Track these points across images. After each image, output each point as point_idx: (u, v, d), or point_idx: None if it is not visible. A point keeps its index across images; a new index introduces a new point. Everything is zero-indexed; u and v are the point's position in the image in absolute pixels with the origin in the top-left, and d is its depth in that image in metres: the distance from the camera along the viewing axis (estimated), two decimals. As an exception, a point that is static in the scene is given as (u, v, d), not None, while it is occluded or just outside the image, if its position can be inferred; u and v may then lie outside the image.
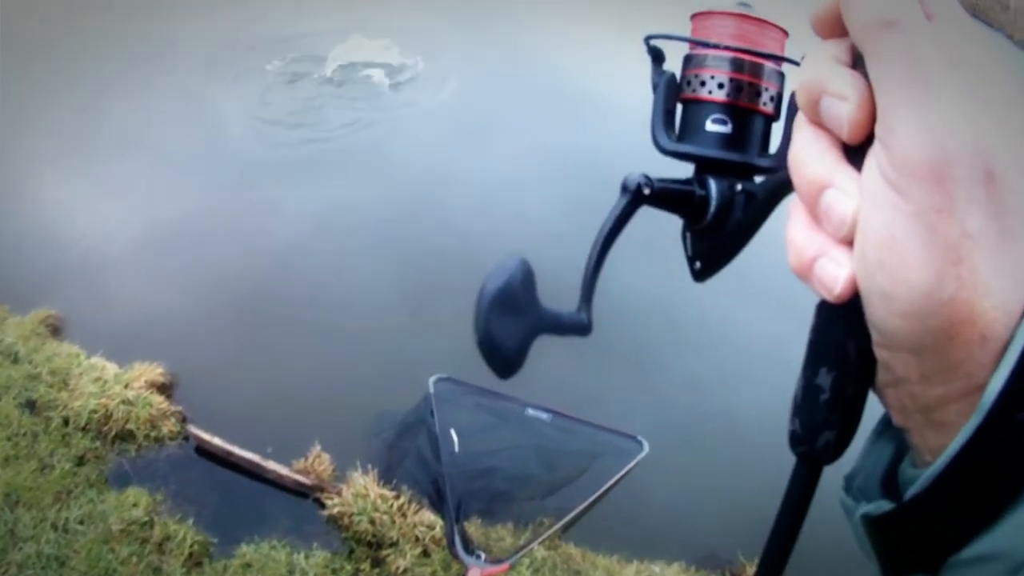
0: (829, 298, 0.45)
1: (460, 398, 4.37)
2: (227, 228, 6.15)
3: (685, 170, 0.64)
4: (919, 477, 0.42)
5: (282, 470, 4.33)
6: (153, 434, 4.47)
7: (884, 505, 0.45)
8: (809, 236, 0.46)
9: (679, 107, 0.65)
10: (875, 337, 0.44)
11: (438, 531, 4.03)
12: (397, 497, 4.13)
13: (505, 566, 3.90)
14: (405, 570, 4.01)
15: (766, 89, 0.62)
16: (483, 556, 3.89)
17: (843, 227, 0.44)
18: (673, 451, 4.71)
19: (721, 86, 0.61)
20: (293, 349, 5.00)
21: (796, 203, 0.48)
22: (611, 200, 0.59)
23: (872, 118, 0.43)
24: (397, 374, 4.64)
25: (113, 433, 4.44)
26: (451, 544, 3.92)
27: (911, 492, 0.42)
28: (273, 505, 4.30)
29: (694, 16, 0.64)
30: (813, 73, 0.46)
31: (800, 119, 0.48)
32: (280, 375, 4.74)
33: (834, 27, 0.46)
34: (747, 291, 5.13)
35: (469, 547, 3.93)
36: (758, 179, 0.63)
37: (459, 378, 4.41)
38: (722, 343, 5.80)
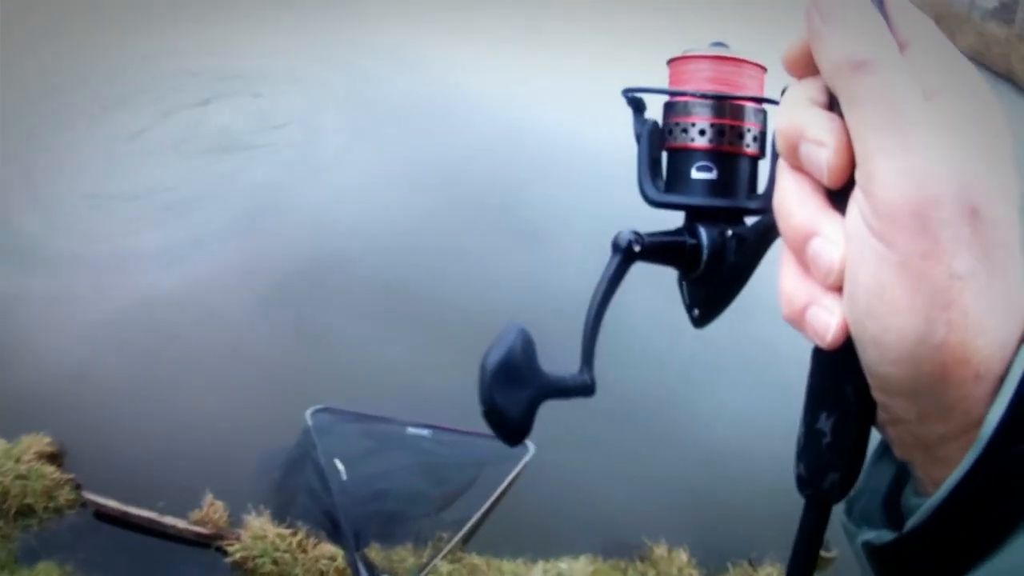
0: (822, 345, 0.45)
1: (340, 426, 4.34)
2: (92, 283, 6.08)
3: (673, 218, 0.63)
4: (920, 507, 0.42)
5: (180, 523, 4.28)
6: (52, 505, 4.41)
7: (885, 535, 0.45)
8: (799, 284, 0.45)
9: (664, 156, 0.64)
10: (871, 381, 0.44)
11: (340, 561, 4.01)
12: (295, 534, 4.09)
13: None
14: None
15: (748, 130, 0.61)
16: None
17: (831, 275, 0.43)
18: (565, 446, 4.67)
19: (703, 132, 0.61)
20: (172, 401, 4.91)
21: (785, 251, 0.47)
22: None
23: (852, 162, 0.42)
24: (277, 411, 4.57)
25: (13, 510, 4.38)
26: (355, 572, 3.92)
27: (912, 523, 0.42)
28: (179, 559, 4.26)
29: (671, 61, 0.63)
30: (789, 118, 0.45)
31: (782, 164, 0.47)
32: (164, 428, 4.67)
33: (807, 66, 0.46)
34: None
35: (373, 572, 3.92)
36: (749, 220, 0.63)
37: (336, 407, 4.36)
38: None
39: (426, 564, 4.01)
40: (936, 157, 0.39)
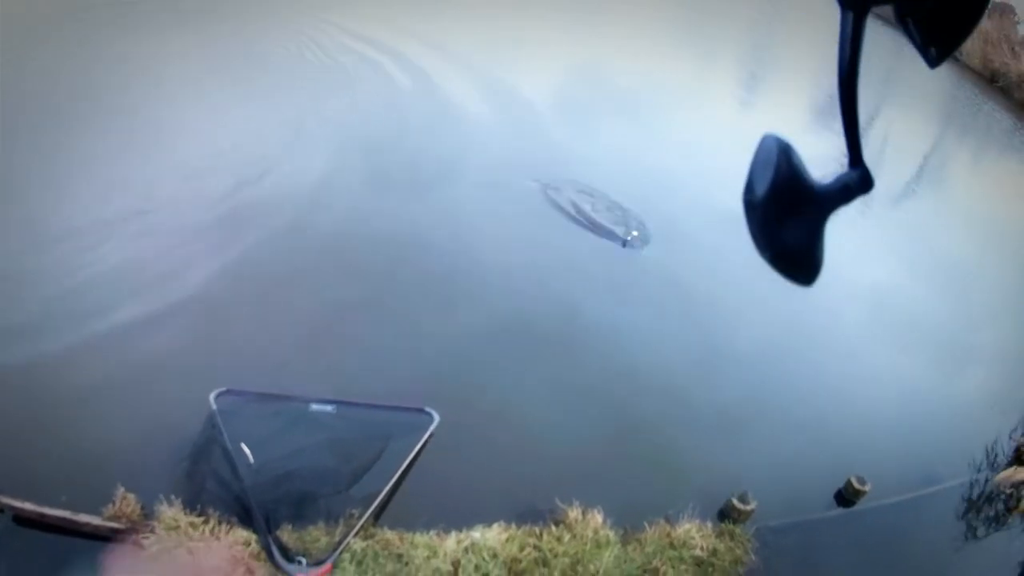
0: None
1: (244, 409, 4.27)
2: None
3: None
4: None
5: (95, 521, 4.22)
6: (-32, 511, 4.37)
7: None
8: None
9: None
10: None
11: (255, 546, 3.92)
12: (207, 521, 4.00)
13: (327, 566, 3.81)
14: None
15: None
16: (304, 561, 3.82)
17: None
18: (471, 413, 4.58)
19: None
20: (78, 396, 4.83)
21: None
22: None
23: None
24: (181, 397, 4.47)
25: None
26: (270, 555, 3.85)
27: None
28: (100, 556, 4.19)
29: None
30: None
31: None
32: (71, 425, 4.59)
33: None
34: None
35: (288, 555, 3.86)
36: None
37: (238, 388, 4.27)
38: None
39: (339, 542, 3.94)
40: None
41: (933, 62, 0.57)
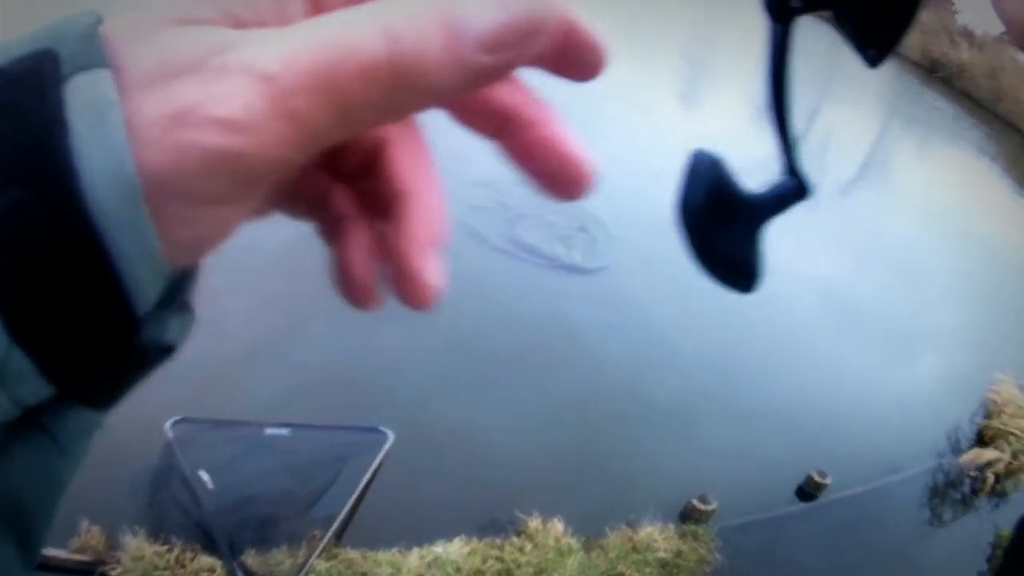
0: None
1: (200, 436, 4.26)
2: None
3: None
4: None
5: (61, 554, 4.19)
6: (-67, 551, 4.34)
7: None
8: None
9: None
10: None
11: (220, 571, 3.91)
12: (171, 550, 3.99)
13: None
14: None
15: None
16: None
17: None
18: (425, 428, 4.61)
19: None
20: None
21: None
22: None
23: None
24: (138, 425, 4.45)
25: None
26: None
27: None
28: None
29: None
30: None
31: None
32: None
33: None
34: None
35: None
36: None
37: (193, 416, 4.26)
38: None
39: (303, 564, 3.93)
40: None
41: (872, 63, 0.54)
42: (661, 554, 4.57)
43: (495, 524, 4.46)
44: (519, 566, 4.27)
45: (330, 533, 4.05)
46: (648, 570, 4.50)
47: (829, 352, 7.14)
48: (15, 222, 0.25)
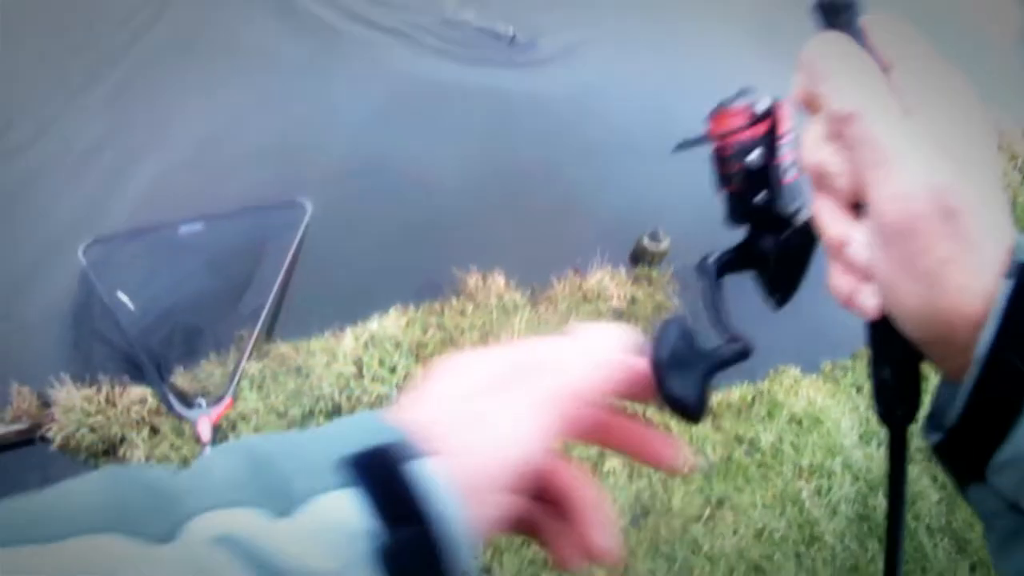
0: (869, 319, 0.60)
1: (114, 254, 3.89)
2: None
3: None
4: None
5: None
6: None
7: (935, 436, 0.59)
8: (843, 279, 0.59)
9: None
10: (908, 337, 0.57)
11: (152, 401, 3.66)
12: (99, 391, 3.71)
13: (228, 400, 3.57)
14: (148, 459, 3.66)
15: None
16: (204, 402, 3.58)
17: (863, 272, 0.57)
18: (346, 198, 4.26)
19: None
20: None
21: (827, 254, 0.60)
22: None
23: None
24: (48, 263, 4.12)
25: None
26: (169, 406, 3.56)
27: (949, 424, 0.57)
28: (15, 469, 3.91)
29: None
30: (810, 156, 0.58)
31: (813, 187, 0.60)
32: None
33: (813, 104, 0.57)
34: None
35: (186, 401, 3.61)
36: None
37: (104, 235, 3.97)
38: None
39: (234, 371, 3.66)
40: (912, 177, 0.51)
41: (777, 306, 0.80)
42: (615, 302, 4.14)
43: (431, 288, 4.04)
44: (462, 331, 3.85)
45: (258, 328, 3.63)
46: (602, 321, 4.16)
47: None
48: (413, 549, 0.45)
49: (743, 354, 0.64)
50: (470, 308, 3.92)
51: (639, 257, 4.37)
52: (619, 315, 4.18)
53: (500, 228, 4.36)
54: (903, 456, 0.69)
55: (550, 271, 4.16)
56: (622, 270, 4.29)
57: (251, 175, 4.33)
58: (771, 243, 0.77)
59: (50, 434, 3.69)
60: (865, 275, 0.56)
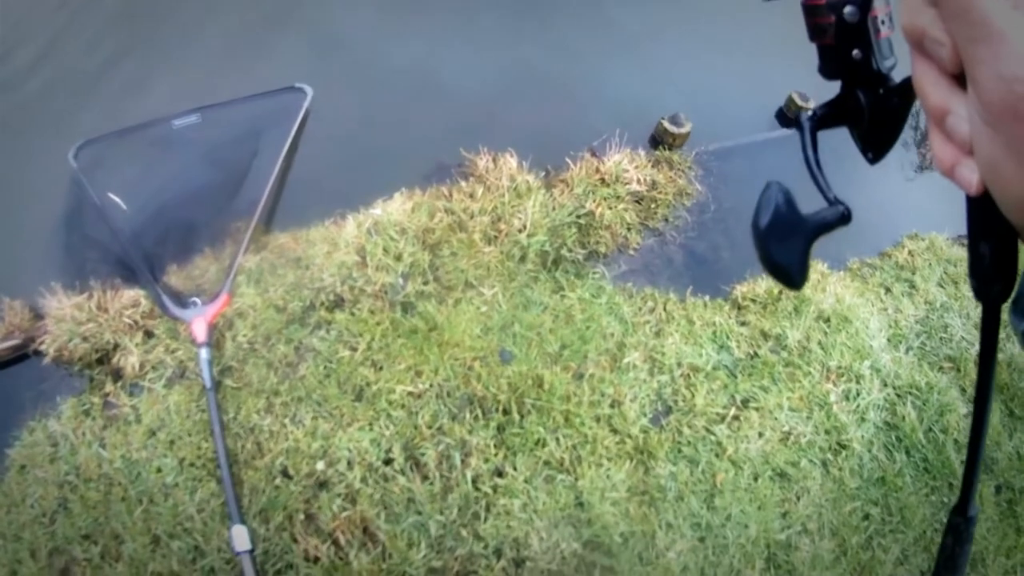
0: (969, 194, 0.57)
1: (106, 155, 3.71)
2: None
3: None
4: None
5: (-7, 348, 3.76)
6: None
7: None
8: (945, 148, 0.56)
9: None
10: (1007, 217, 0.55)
11: (145, 304, 3.49)
12: (90, 297, 3.54)
13: (224, 297, 3.38)
14: (143, 364, 3.50)
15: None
16: (199, 300, 3.41)
17: (965, 145, 0.55)
18: (350, 82, 4.03)
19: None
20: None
21: (929, 120, 0.58)
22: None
23: None
24: (41, 171, 3.94)
25: None
26: (164, 308, 3.39)
27: None
28: (10, 387, 3.75)
29: None
30: (910, 19, 0.55)
31: (913, 51, 0.57)
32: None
33: None
34: None
35: (180, 301, 3.43)
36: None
37: (94, 135, 3.80)
38: None
39: (230, 265, 3.48)
40: (1021, 60, 0.47)
41: (871, 162, 0.79)
42: (634, 186, 3.89)
43: (439, 171, 3.83)
44: (472, 216, 3.62)
45: (255, 220, 3.43)
46: (622, 207, 3.84)
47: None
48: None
49: (845, 217, 0.65)
50: (480, 191, 3.71)
51: (659, 140, 4.16)
52: (640, 200, 3.97)
53: (512, 108, 4.14)
54: (995, 334, 0.69)
55: (565, 153, 3.95)
56: (641, 153, 4.07)
57: (249, 62, 4.13)
58: (866, 99, 0.75)
59: (44, 347, 3.52)
60: (967, 148, 0.55)
